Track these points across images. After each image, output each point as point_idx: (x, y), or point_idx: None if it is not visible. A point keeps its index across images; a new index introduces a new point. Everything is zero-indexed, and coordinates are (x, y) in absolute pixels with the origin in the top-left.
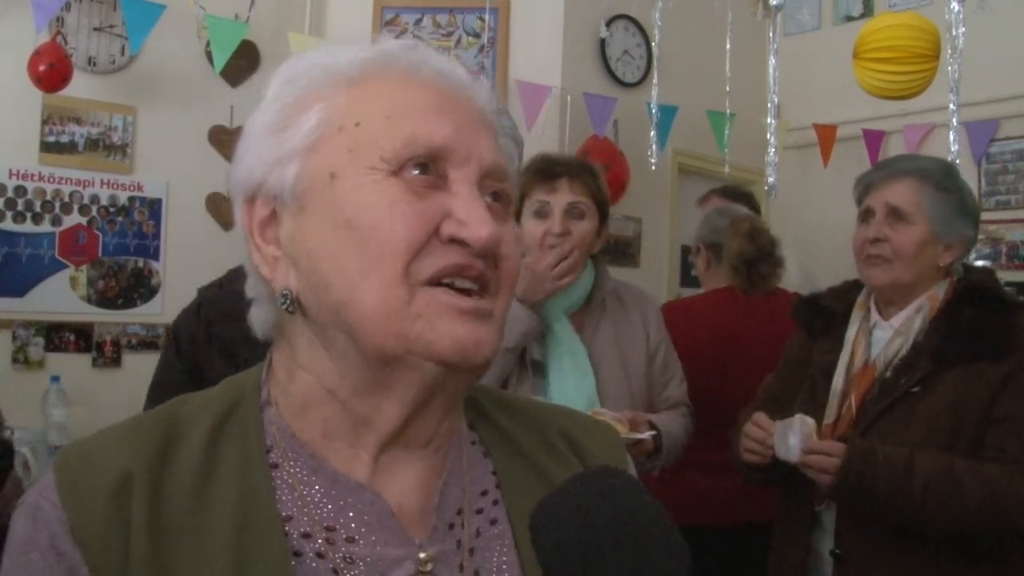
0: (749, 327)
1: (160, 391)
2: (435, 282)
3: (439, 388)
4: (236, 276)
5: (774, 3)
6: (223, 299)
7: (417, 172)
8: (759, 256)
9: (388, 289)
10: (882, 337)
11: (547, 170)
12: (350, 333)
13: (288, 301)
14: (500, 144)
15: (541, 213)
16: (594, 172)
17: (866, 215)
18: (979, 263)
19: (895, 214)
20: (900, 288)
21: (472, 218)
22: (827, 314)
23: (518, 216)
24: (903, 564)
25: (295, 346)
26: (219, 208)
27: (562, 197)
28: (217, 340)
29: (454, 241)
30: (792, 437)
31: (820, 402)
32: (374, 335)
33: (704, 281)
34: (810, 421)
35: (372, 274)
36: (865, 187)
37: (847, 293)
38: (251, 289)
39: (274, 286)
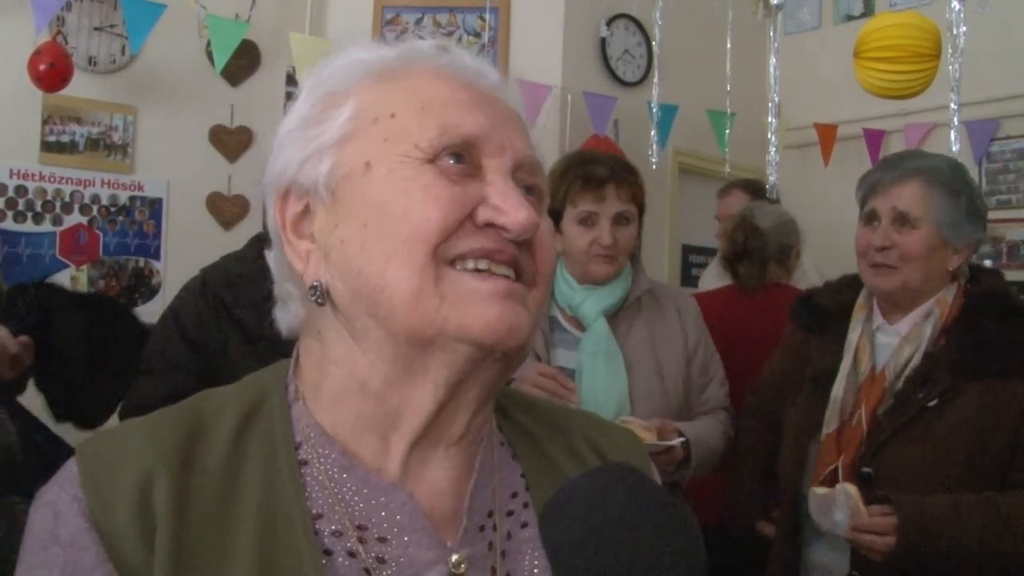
0: (745, 323)
1: (162, 366)
2: (463, 262)
3: (473, 373)
4: (237, 256)
5: (774, 2)
6: (225, 268)
7: (452, 161)
8: (739, 254)
9: (417, 271)
10: (886, 342)
11: (593, 177)
12: (382, 319)
13: (318, 293)
14: (532, 142)
15: (587, 222)
16: (636, 173)
17: (870, 218)
18: (986, 263)
19: (902, 219)
20: (908, 293)
21: (509, 204)
22: (824, 312)
23: (557, 221)
24: None
25: (325, 340)
26: (219, 208)
27: (610, 206)
28: (227, 310)
29: (489, 226)
30: (837, 512)
31: (818, 408)
32: (406, 318)
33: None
34: (852, 491)
35: (402, 257)
36: (870, 187)
37: (844, 289)
38: (278, 289)
39: (305, 279)
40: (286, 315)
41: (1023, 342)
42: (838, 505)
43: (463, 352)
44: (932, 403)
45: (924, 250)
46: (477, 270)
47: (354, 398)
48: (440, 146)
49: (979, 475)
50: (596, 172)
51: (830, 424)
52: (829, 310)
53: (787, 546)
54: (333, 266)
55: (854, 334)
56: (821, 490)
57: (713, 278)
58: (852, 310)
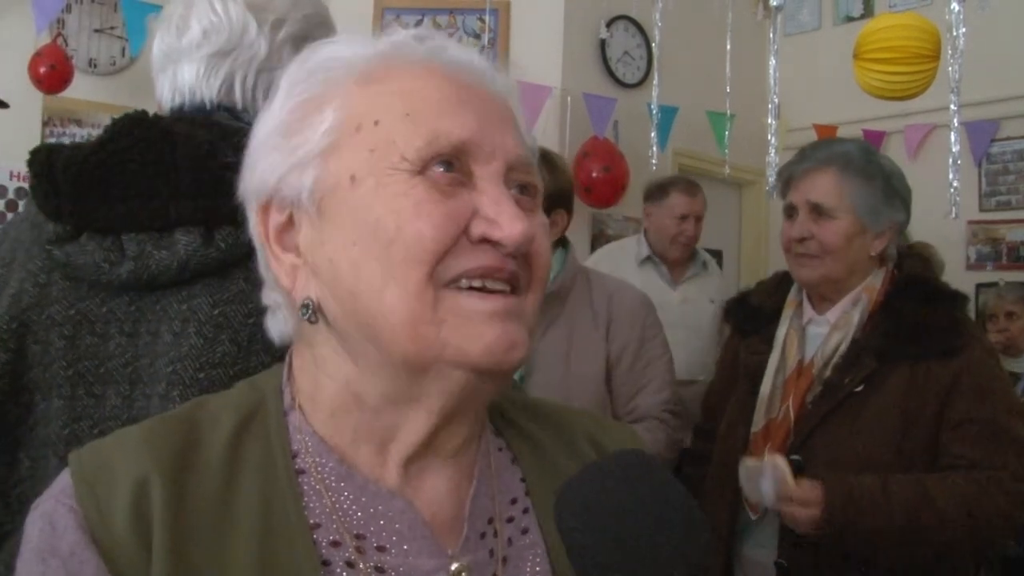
0: None
1: None
2: (460, 283)
3: (469, 397)
4: None
5: (774, 3)
6: None
7: (442, 170)
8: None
9: (414, 294)
10: (818, 333)
11: None
12: (377, 342)
13: (310, 312)
14: (522, 134)
15: None
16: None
17: (790, 212)
18: (988, 264)
19: (818, 210)
20: (832, 283)
21: (503, 216)
22: (757, 313)
23: None
24: (852, 572)
25: (318, 354)
26: None
27: None
28: None
29: (485, 241)
30: (765, 483)
31: (749, 406)
32: (402, 343)
33: None
34: (781, 464)
35: (397, 279)
36: (785, 182)
37: (777, 288)
38: (266, 297)
39: (294, 296)
40: (276, 323)
41: (939, 324)
42: (765, 475)
43: (458, 379)
44: (858, 388)
45: (843, 239)
46: (472, 288)
47: (351, 411)
48: (428, 156)
49: (907, 458)
50: None
51: (757, 423)
52: (764, 310)
53: (722, 543)
54: (323, 284)
55: (782, 330)
56: (751, 461)
57: (630, 271)
58: None
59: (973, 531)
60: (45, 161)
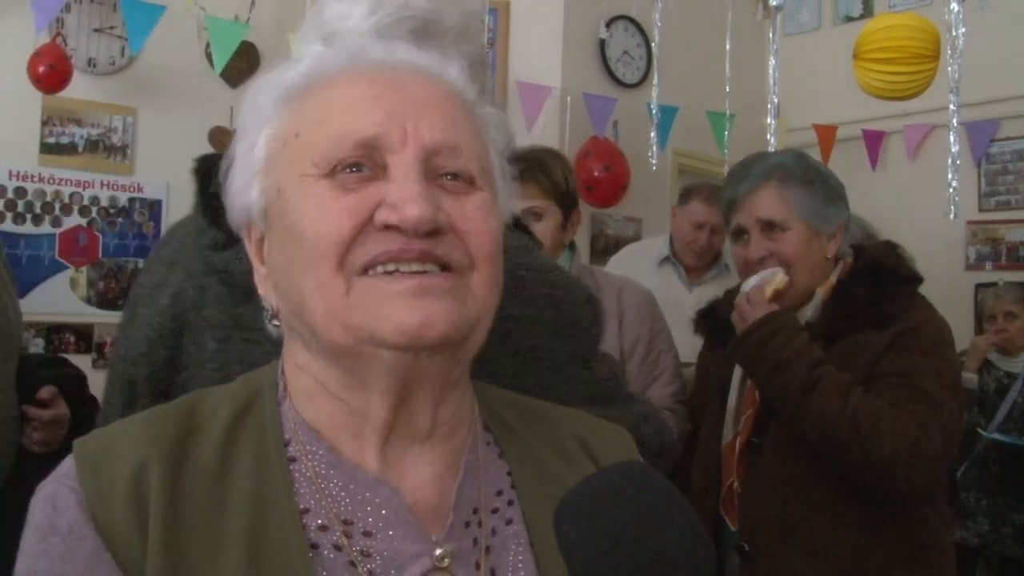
0: None
1: None
2: (375, 270)
3: (411, 374)
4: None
5: (774, 3)
6: None
7: (349, 171)
8: None
9: (326, 286)
10: None
11: None
12: (314, 334)
13: (268, 314)
14: (459, 118)
15: None
16: (545, 166)
17: (739, 234)
18: (987, 264)
19: (769, 226)
20: (798, 295)
21: (402, 200)
22: (726, 324)
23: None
24: (809, 549)
25: (290, 348)
26: None
27: (517, 204)
28: None
29: (390, 227)
30: (754, 279)
31: (720, 421)
32: (325, 331)
33: None
34: (780, 276)
35: (311, 274)
36: (729, 205)
37: None
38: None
39: (265, 301)
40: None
41: (879, 300)
42: (759, 274)
43: (388, 358)
44: None
45: (800, 248)
46: (387, 272)
47: (323, 399)
48: (335, 158)
49: None
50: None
51: (726, 436)
52: (731, 322)
53: None
54: (275, 287)
55: None
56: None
57: (648, 269)
58: None
59: (856, 434)
60: (205, 169)
